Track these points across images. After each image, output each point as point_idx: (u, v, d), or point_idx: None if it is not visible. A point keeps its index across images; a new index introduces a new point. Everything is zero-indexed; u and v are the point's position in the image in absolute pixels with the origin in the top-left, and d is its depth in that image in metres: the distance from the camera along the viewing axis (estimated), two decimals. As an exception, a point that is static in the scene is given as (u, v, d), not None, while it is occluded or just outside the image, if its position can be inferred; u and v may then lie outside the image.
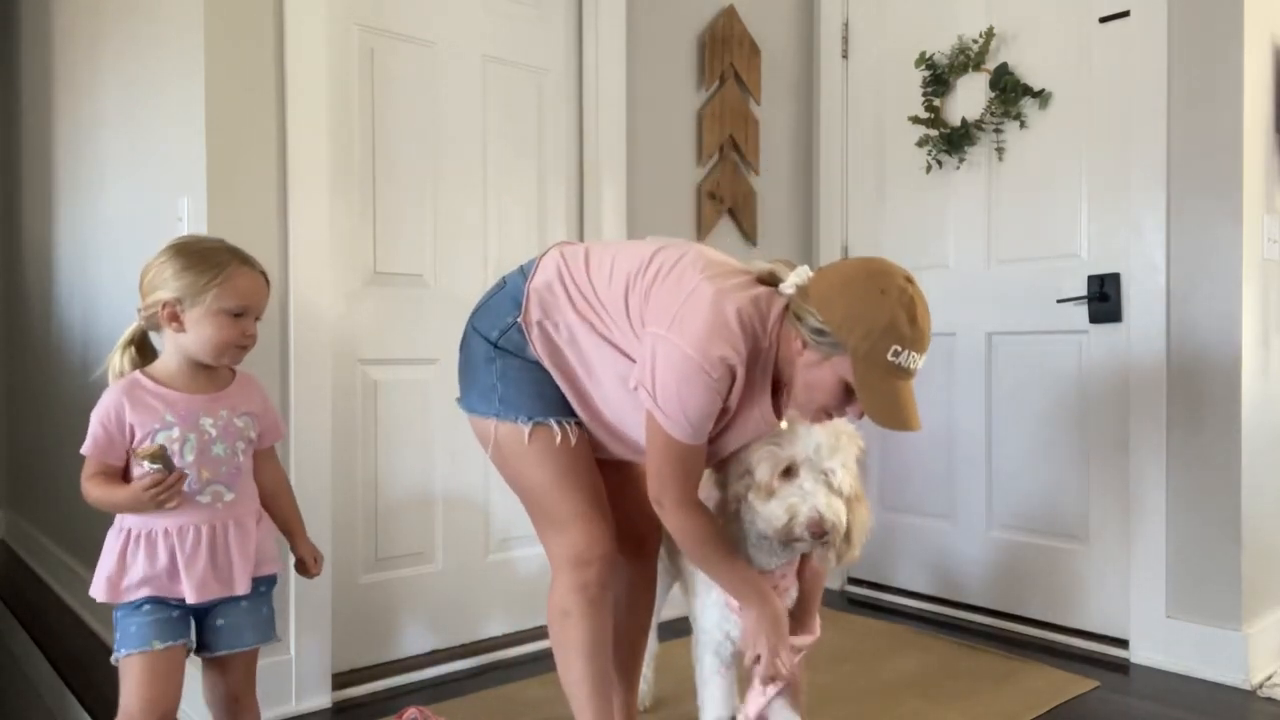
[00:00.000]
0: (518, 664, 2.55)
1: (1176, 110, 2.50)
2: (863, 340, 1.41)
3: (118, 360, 1.61)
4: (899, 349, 1.41)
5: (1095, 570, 2.71)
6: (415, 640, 2.54)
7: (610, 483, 1.72)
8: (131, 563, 1.54)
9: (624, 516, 1.73)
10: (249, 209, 2.16)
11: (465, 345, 1.71)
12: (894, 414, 1.44)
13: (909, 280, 1.46)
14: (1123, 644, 2.62)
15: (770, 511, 1.50)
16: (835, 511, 1.50)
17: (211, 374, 1.64)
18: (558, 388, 1.63)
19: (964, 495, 3.03)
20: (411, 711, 2.00)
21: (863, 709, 2.22)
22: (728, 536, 1.60)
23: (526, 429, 1.60)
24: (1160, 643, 2.52)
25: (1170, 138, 2.50)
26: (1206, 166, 2.45)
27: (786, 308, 1.52)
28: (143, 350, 1.63)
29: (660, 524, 1.65)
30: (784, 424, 1.58)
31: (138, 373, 1.60)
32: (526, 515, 1.72)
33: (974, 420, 3.00)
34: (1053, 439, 2.81)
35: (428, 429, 2.56)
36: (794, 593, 1.70)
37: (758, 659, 1.58)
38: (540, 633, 2.66)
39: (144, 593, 1.54)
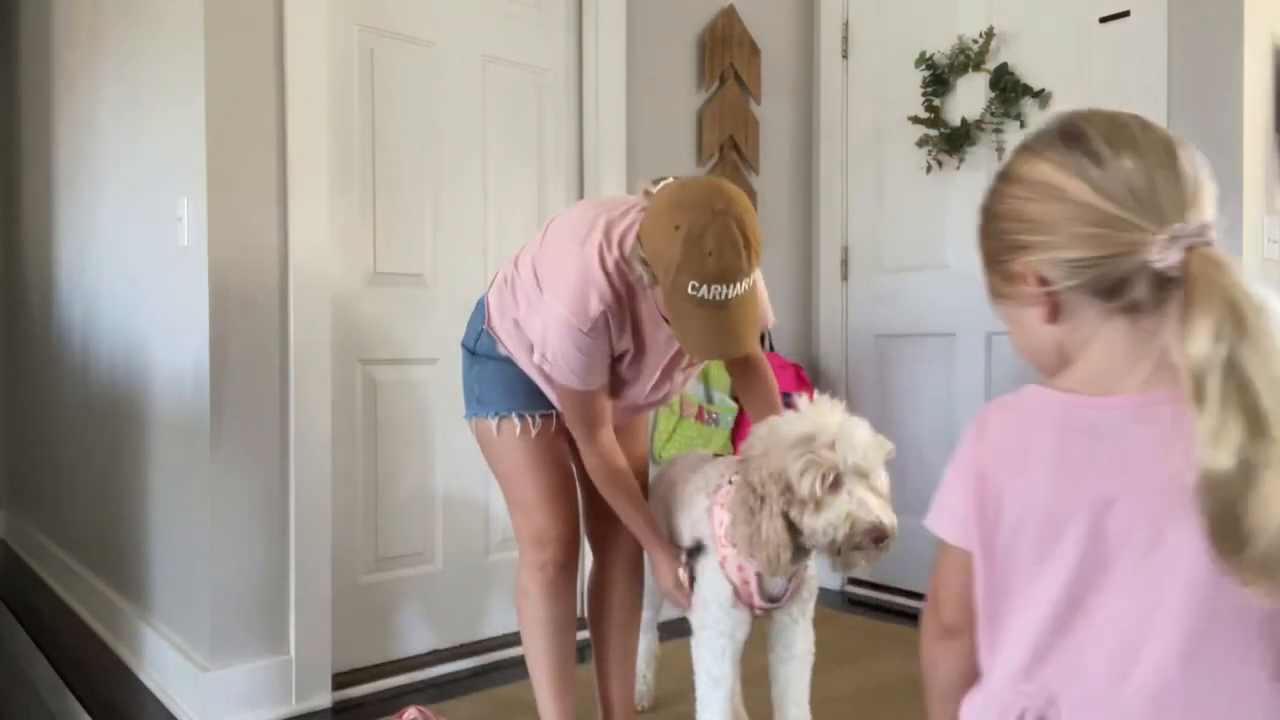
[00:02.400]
0: (518, 663, 2.54)
1: (1176, 110, 2.49)
2: (665, 274, 1.44)
3: None
4: (697, 284, 1.41)
5: (1095, 570, 2.71)
6: (415, 640, 2.54)
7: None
8: None
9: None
10: (249, 209, 2.16)
11: (461, 362, 1.87)
12: (702, 343, 1.47)
13: (713, 212, 1.41)
14: (1123, 644, 2.62)
15: (827, 523, 1.46)
16: (890, 515, 1.48)
17: None
18: (527, 382, 1.75)
19: (964, 495, 3.02)
20: (412, 711, 2.00)
21: (863, 709, 2.22)
22: (635, 484, 1.71)
23: (494, 423, 1.75)
24: (1160, 643, 2.52)
25: (1170, 138, 2.50)
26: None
27: None
28: None
29: (645, 484, 1.83)
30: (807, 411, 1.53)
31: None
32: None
33: (974, 420, 2.99)
34: (1053, 439, 2.80)
35: (428, 429, 2.56)
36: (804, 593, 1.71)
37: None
38: (540, 633, 2.66)
39: None
